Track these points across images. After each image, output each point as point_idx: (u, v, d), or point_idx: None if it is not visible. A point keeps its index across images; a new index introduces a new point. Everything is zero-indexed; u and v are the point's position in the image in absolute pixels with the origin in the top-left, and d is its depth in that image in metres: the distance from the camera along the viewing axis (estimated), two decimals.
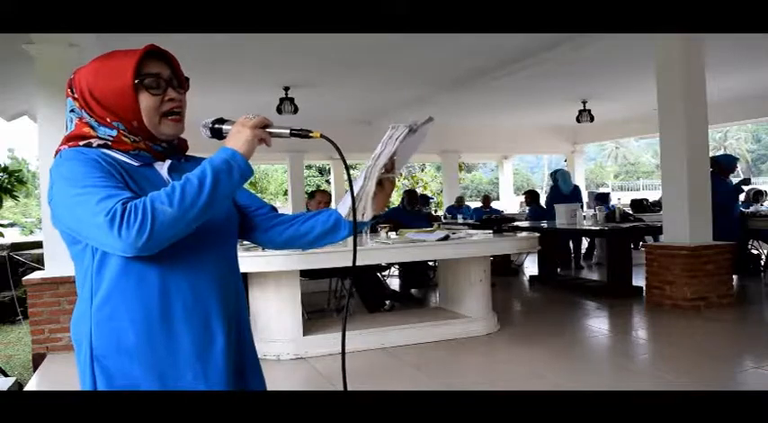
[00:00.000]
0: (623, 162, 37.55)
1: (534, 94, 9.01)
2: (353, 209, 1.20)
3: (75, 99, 1.19)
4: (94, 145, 1.15)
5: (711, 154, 6.74)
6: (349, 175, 1.19)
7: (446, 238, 4.63)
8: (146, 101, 1.16)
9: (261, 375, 1.34)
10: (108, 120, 1.16)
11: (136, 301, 1.12)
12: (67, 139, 1.18)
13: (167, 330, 1.14)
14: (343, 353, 1.21)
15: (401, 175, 21.41)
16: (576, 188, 8.94)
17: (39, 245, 6.63)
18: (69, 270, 4.58)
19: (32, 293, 4.55)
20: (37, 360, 4.47)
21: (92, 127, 1.17)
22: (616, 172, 37.03)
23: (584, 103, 9.61)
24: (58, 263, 4.58)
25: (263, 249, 3.88)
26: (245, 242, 1.39)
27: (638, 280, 6.25)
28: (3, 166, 4.96)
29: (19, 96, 7.08)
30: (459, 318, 4.81)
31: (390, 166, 1.22)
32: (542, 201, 9.61)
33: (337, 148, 1.17)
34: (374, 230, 4.91)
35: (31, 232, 15.65)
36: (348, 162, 1.21)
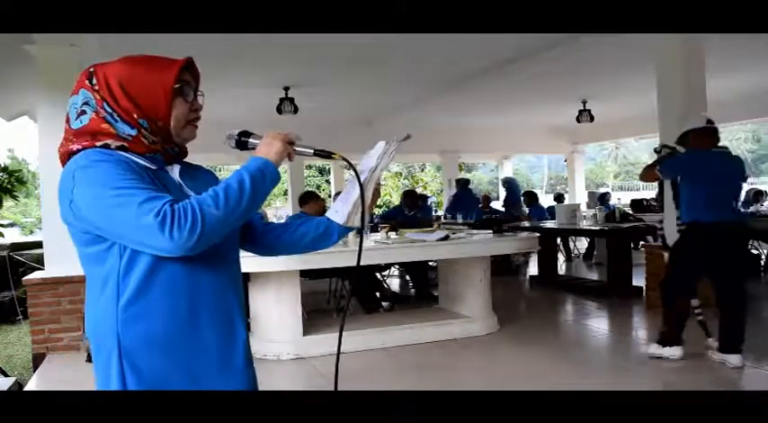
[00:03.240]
0: (623, 162, 37.50)
1: (534, 94, 9.00)
2: (362, 216, 1.31)
3: (94, 91, 1.17)
4: (112, 147, 1.15)
5: None
6: (361, 187, 1.28)
7: (446, 238, 4.63)
8: (179, 107, 1.21)
9: (253, 365, 1.38)
10: (134, 115, 1.17)
11: (165, 298, 1.16)
12: (79, 136, 1.17)
13: (194, 326, 1.19)
14: (338, 354, 1.28)
15: (401, 174, 21.44)
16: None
17: (39, 245, 6.62)
18: (69, 270, 4.57)
19: (32, 293, 4.55)
20: (37, 360, 4.46)
21: (110, 123, 1.16)
22: (616, 172, 36.97)
23: (584, 103, 9.60)
24: (58, 263, 4.58)
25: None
26: None
27: (638, 280, 6.24)
28: (3, 166, 4.94)
29: (19, 96, 7.07)
30: (459, 318, 4.81)
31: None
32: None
33: (354, 169, 1.26)
34: (375, 229, 4.91)
35: (31, 232, 15.63)
36: (351, 162, 1.28)
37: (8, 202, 6.13)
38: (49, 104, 4.64)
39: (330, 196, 15.10)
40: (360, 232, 1.34)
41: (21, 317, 6.51)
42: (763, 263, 7.72)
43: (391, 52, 6.31)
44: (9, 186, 4.79)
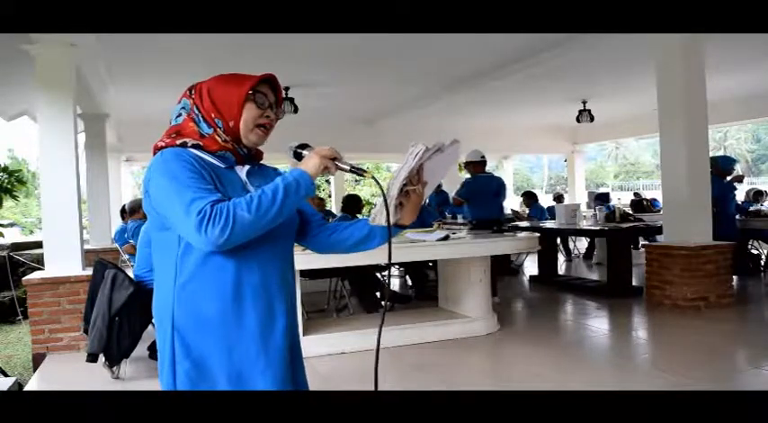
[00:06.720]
0: (623, 162, 37.50)
1: (534, 94, 9.00)
2: (387, 214, 1.37)
3: (191, 99, 1.41)
4: (189, 145, 1.35)
5: (711, 154, 6.73)
6: (383, 193, 1.38)
7: (446, 238, 4.63)
8: (249, 111, 1.39)
9: (301, 353, 1.52)
10: (212, 115, 1.38)
11: (214, 284, 1.31)
12: (168, 134, 1.39)
13: (238, 310, 1.33)
14: (378, 350, 1.36)
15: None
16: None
17: (39, 245, 6.63)
18: (69, 270, 4.58)
19: (32, 293, 4.55)
20: (37, 360, 4.46)
21: (195, 122, 1.39)
22: (616, 172, 36.97)
23: (584, 103, 9.61)
24: (58, 263, 4.58)
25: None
26: None
27: (638, 280, 6.24)
28: (3, 166, 4.95)
29: (19, 96, 7.08)
30: (459, 318, 4.81)
31: (417, 180, 1.41)
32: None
33: (379, 185, 1.37)
34: None
35: (31, 232, 15.66)
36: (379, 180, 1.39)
37: (8, 202, 6.14)
38: (49, 104, 4.63)
39: (330, 196, 15.12)
40: (388, 231, 1.41)
41: (21, 317, 6.51)
42: (763, 263, 7.72)
43: (391, 52, 6.31)
44: (9, 186, 4.80)
